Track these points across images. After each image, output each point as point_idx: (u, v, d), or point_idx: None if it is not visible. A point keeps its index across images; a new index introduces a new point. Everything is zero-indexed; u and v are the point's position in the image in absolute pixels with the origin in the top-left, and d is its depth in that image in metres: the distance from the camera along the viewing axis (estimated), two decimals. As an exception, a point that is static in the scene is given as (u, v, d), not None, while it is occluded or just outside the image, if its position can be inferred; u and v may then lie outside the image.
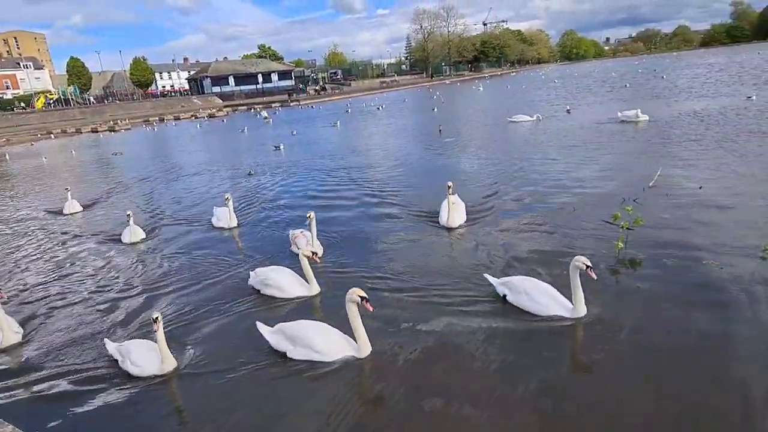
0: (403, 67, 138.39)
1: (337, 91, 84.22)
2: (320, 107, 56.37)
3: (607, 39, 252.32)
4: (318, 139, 25.55)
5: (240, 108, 67.60)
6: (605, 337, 4.68)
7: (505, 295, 5.43)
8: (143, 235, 9.42)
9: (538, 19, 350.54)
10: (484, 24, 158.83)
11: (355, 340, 4.73)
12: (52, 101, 72.62)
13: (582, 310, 4.97)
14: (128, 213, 9.31)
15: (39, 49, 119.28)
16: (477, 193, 10.50)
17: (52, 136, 49.24)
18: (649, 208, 8.05)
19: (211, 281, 7.11)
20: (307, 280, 6.27)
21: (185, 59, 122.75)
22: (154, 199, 13.76)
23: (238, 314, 5.99)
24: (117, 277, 7.67)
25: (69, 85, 79.12)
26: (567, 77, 64.47)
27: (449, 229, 8.23)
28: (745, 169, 9.90)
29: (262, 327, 5.14)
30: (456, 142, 18.85)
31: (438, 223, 8.53)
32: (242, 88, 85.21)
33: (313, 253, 6.11)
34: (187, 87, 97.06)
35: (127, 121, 57.36)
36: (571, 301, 5.01)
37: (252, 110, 62.12)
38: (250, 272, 6.76)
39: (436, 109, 34.26)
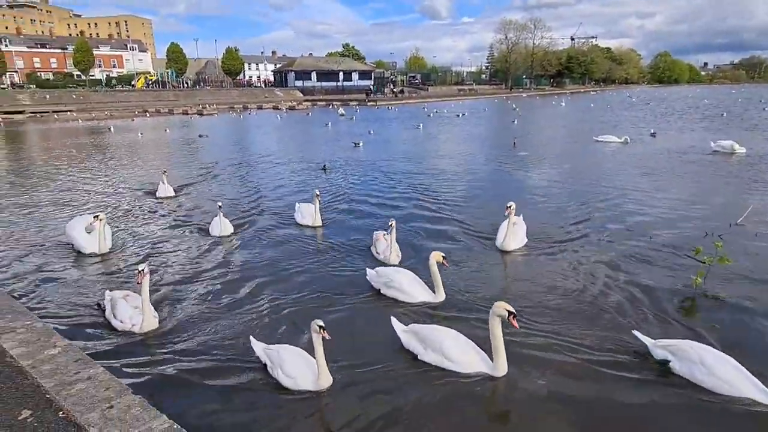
0: (483, 76, 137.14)
1: (414, 95, 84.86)
2: (396, 109, 57.08)
3: (705, 64, 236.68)
4: (396, 140, 26.12)
5: (319, 103, 69.84)
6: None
7: (666, 361, 4.57)
8: (231, 230, 9.25)
9: (629, 38, 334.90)
10: (572, 39, 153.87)
11: (491, 357, 4.49)
12: (150, 82, 78.74)
13: None
14: (219, 204, 9.23)
15: (144, 33, 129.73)
16: (544, 213, 10.16)
17: (147, 114, 53.32)
18: (735, 245, 7.67)
19: (319, 281, 6.87)
20: (433, 287, 6.07)
21: (273, 52, 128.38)
22: (238, 188, 14.07)
23: (362, 314, 5.89)
24: (221, 269, 7.50)
25: (167, 69, 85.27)
26: (656, 99, 61.17)
27: (504, 252, 7.83)
28: None
29: (396, 324, 5.04)
30: (529, 156, 18.59)
31: (495, 245, 8.09)
32: (323, 84, 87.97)
33: (444, 257, 5.87)
34: (272, 79, 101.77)
35: (214, 106, 60.97)
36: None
37: (330, 106, 64.04)
38: (368, 270, 6.61)
39: (516, 122, 33.70)
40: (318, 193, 9.66)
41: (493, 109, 54.16)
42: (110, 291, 5.93)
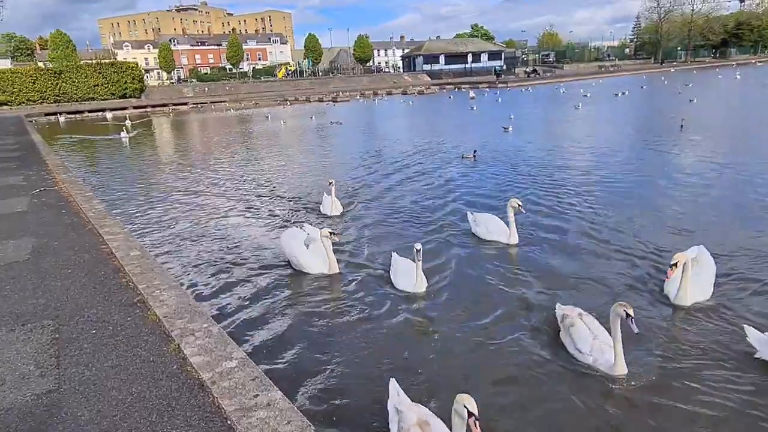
0: (626, 50, 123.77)
1: (548, 74, 79.40)
2: (531, 90, 53.78)
3: None
4: (545, 123, 24.61)
5: (447, 87, 68.64)
6: None
7: None
8: (341, 209, 9.99)
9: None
10: (741, 1, 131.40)
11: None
12: (290, 72, 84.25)
13: None
14: (330, 181, 9.89)
15: (285, 27, 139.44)
16: (736, 238, 7.22)
17: (288, 102, 56.93)
18: None
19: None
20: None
21: (402, 37, 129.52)
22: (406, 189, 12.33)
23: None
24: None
25: (304, 59, 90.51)
26: None
27: (677, 308, 5.39)
28: None
29: (752, 332, 4.40)
30: (704, 143, 15.80)
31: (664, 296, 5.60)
32: (451, 67, 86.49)
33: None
34: (400, 64, 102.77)
35: (347, 93, 63.15)
36: None
37: (457, 89, 62.55)
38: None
39: (695, 100, 28.88)
40: (517, 203, 7.55)
41: (653, 86, 47.88)
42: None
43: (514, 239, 7.67)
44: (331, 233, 6.73)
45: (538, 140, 19.00)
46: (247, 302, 6.28)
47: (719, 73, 61.61)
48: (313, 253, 7.01)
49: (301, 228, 7.68)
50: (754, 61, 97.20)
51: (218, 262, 7.76)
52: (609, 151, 15.51)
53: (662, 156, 14.34)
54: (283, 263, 7.43)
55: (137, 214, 10.91)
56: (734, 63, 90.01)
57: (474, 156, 15.34)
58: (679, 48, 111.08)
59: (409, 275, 6.21)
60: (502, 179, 12.60)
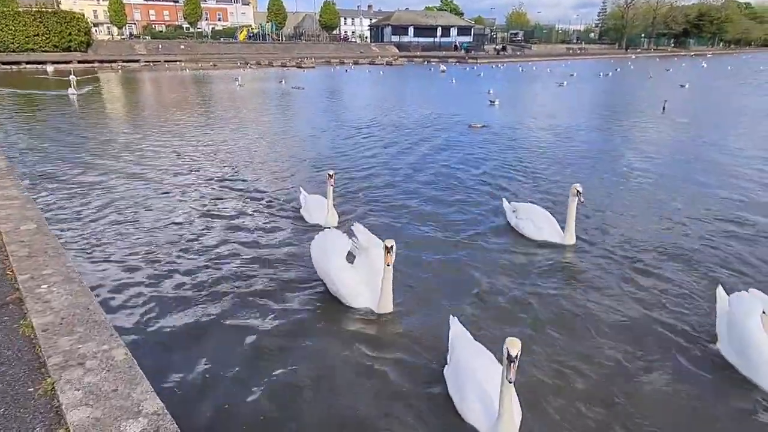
0: (591, 35, 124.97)
1: (518, 53, 78.78)
2: (501, 67, 52.87)
3: None
4: (532, 98, 24.09)
5: (416, 59, 66.82)
6: None
7: None
8: (338, 219, 6.74)
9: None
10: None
11: None
12: (252, 34, 79.90)
13: None
14: (330, 173, 6.43)
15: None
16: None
17: (249, 66, 53.74)
18: None
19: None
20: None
21: (369, 6, 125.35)
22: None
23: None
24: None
25: (267, 22, 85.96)
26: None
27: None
28: None
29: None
30: (692, 125, 15.18)
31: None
32: (420, 39, 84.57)
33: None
34: (367, 34, 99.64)
35: (312, 60, 60.30)
36: None
37: (426, 62, 60.96)
38: None
39: (687, 86, 28.22)
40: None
41: (628, 70, 47.92)
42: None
43: (571, 239, 6.08)
44: (391, 248, 4.18)
45: (531, 114, 18.13)
46: (182, 309, 4.53)
47: (682, 62, 62.57)
48: (358, 273, 4.63)
49: (348, 233, 4.96)
50: (709, 53, 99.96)
51: (150, 247, 6.00)
52: (605, 127, 14.73)
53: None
54: (233, 253, 5.80)
55: (65, 181, 8.99)
56: (692, 53, 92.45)
57: (481, 126, 14.83)
58: (642, 35, 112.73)
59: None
60: (515, 154, 11.38)
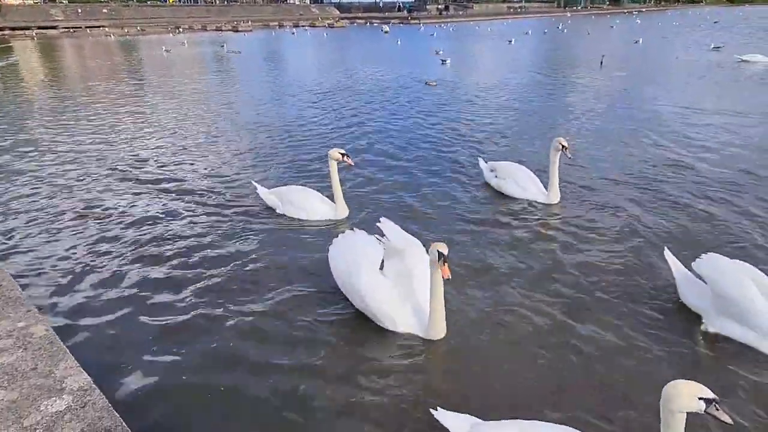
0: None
1: (460, 12, 78.28)
2: (444, 27, 52.39)
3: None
4: (487, 55, 24.27)
5: (358, 21, 65.12)
6: None
7: None
8: (347, 212, 5.64)
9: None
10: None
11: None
12: (182, -4, 74.84)
13: None
14: (342, 153, 5.36)
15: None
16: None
17: (180, 30, 50.58)
18: None
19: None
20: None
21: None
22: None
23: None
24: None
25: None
26: (736, 20, 53.69)
27: None
28: None
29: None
30: (630, 77, 15.62)
31: None
32: (361, 0, 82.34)
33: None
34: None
35: (249, 23, 57.46)
36: None
37: (368, 24, 59.60)
38: None
39: (640, 40, 27.82)
40: None
41: (569, 29, 48.37)
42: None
43: (555, 197, 5.68)
44: (446, 257, 3.17)
45: (482, 72, 18.26)
46: (118, 291, 4.10)
47: (617, 19, 64.25)
48: (395, 288, 3.58)
49: (377, 235, 3.89)
50: (644, 9, 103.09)
51: (74, 226, 5.51)
52: (557, 77, 14.90)
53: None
54: (176, 238, 5.08)
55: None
56: (626, 11, 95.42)
57: (434, 84, 15.02)
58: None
59: None
60: (472, 109, 11.57)
